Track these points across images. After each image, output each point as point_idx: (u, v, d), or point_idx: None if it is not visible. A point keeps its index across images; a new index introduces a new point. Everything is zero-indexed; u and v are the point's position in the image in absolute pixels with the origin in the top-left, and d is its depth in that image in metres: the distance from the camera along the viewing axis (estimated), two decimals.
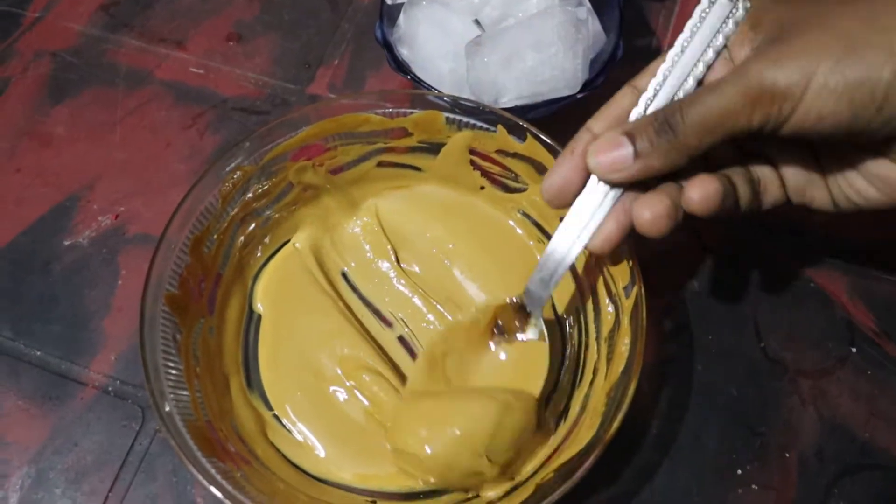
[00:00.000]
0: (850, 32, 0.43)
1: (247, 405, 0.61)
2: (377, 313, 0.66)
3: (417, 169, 0.68)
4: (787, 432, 0.63)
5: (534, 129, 0.61)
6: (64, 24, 0.86)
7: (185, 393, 0.55)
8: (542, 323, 0.59)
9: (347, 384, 0.62)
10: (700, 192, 0.48)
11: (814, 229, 0.71)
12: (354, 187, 0.69)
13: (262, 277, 0.67)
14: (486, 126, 0.63)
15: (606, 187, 0.51)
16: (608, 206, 0.51)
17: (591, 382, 0.59)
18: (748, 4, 0.49)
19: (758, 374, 0.65)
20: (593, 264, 0.61)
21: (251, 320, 0.65)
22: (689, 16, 0.49)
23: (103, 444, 0.63)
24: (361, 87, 0.81)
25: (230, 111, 0.79)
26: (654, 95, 0.50)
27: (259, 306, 0.66)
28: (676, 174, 0.49)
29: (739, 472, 0.61)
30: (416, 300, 0.66)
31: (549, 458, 0.56)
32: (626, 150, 0.48)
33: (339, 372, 0.63)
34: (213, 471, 0.51)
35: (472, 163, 0.67)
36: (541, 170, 0.63)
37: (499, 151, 0.64)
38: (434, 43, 0.71)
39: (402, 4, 0.73)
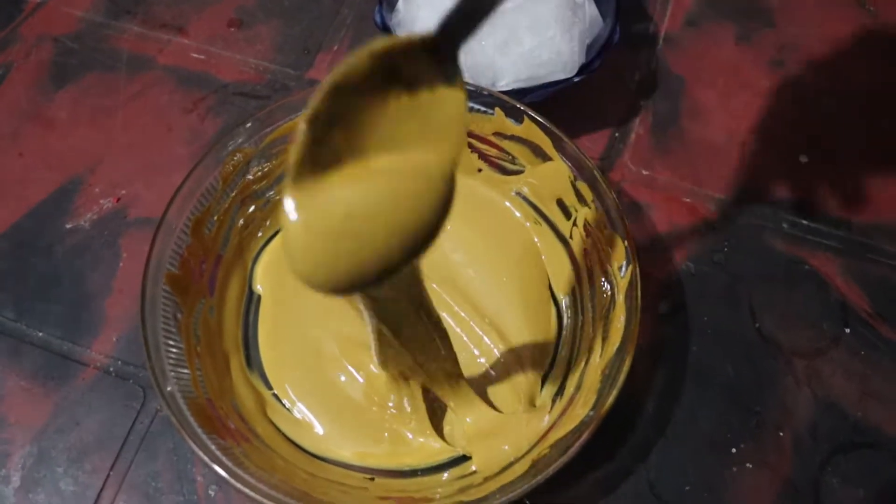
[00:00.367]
0: None
1: (247, 384, 0.61)
2: None
3: None
4: (781, 411, 0.63)
5: (531, 112, 0.61)
6: (66, 9, 0.87)
7: (185, 371, 0.56)
8: (459, 67, 0.41)
9: (346, 364, 0.63)
10: None
11: (808, 211, 0.72)
12: None
13: (262, 259, 0.67)
14: (483, 109, 0.64)
15: None
16: None
17: (587, 361, 0.59)
18: None
19: (753, 355, 0.65)
20: (590, 245, 0.62)
21: (251, 301, 0.66)
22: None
23: (105, 424, 0.64)
24: None
25: (231, 96, 0.80)
26: None
27: (259, 287, 0.66)
28: None
29: (734, 450, 0.62)
30: None
31: (546, 434, 0.56)
32: None
33: (338, 351, 0.63)
34: (213, 447, 0.52)
35: (470, 145, 0.67)
36: (538, 152, 0.63)
37: (496, 134, 0.65)
38: (433, 26, 0.71)
39: None
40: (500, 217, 0.69)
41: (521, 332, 0.64)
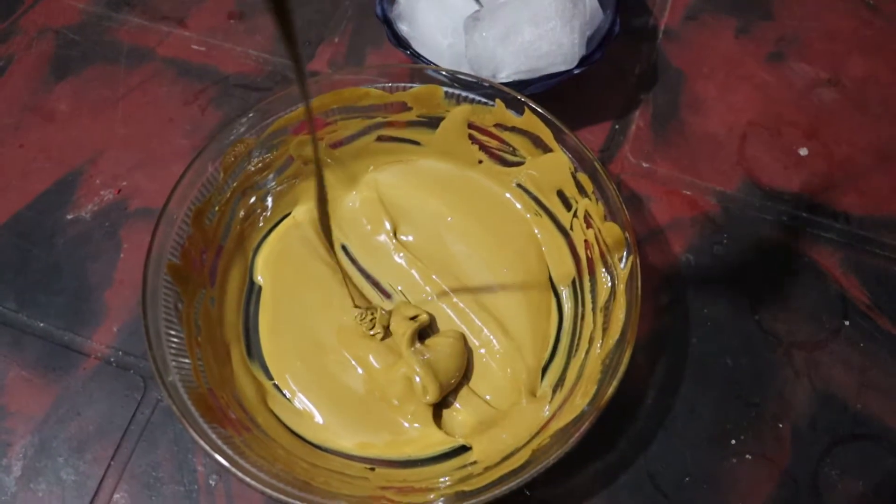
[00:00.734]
0: None
1: (247, 374, 0.62)
2: (376, 285, 0.67)
3: (416, 143, 0.69)
4: (780, 403, 0.63)
5: (531, 104, 0.62)
6: (66, 1, 0.87)
7: (186, 361, 0.56)
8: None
9: (346, 355, 0.63)
10: None
11: (808, 204, 0.72)
12: (354, 161, 0.69)
13: (262, 250, 0.67)
14: (484, 100, 0.64)
15: None
16: None
17: (587, 352, 0.59)
18: None
19: (752, 346, 0.65)
20: (591, 237, 0.62)
21: (252, 291, 0.66)
22: None
23: (105, 414, 0.64)
24: (362, 64, 0.81)
25: (231, 88, 0.80)
26: None
27: (259, 278, 0.66)
28: None
29: (733, 441, 0.62)
30: (415, 273, 0.67)
31: (546, 424, 0.56)
32: None
33: (338, 343, 0.64)
34: (214, 436, 0.52)
35: (471, 137, 0.67)
36: (538, 143, 0.63)
37: (497, 125, 0.65)
38: (433, 19, 0.72)
39: None
40: (500, 208, 0.69)
41: (522, 323, 0.64)
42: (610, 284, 0.59)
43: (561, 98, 0.69)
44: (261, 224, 0.68)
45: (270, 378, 0.63)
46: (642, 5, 0.85)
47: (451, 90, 0.64)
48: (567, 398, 0.57)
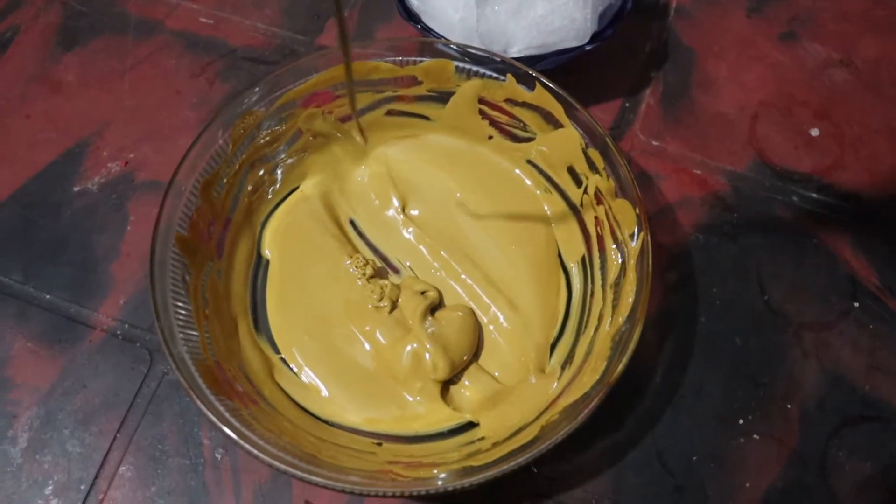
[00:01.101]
0: None
1: (254, 347, 0.61)
2: (385, 260, 0.67)
3: (426, 118, 0.69)
4: (789, 383, 0.63)
5: (543, 78, 0.61)
6: None
7: (193, 333, 0.56)
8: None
9: (353, 330, 0.63)
10: None
11: (818, 184, 0.71)
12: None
13: (270, 223, 0.67)
14: (495, 75, 0.63)
15: None
16: None
17: (596, 329, 0.59)
18: None
19: (761, 327, 0.65)
20: (601, 213, 0.62)
21: (259, 265, 0.66)
22: None
23: (111, 387, 0.64)
24: (371, 38, 0.81)
25: (239, 61, 0.79)
26: None
27: (267, 252, 0.66)
28: None
29: (741, 421, 0.62)
30: (423, 248, 0.66)
31: (554, 400, 0.56)
32: None
33: (345, 318, 0.63)
34: (221, 408, 0.52)
35: (481, 112, 0.67)
36: (549, 119, 0.63)
37: (507, 101, 0.65)
38: None
39: None
40: (510, 185, 0.69)
41: (530, 300, 0.64)
42: (620, 261, 0.59)
43: (571, 75, 0.69)
44: (269, 197, 0.67)
45: (277, 352, 0.62)
46: None
47: (461, 65, 0.64)
48: (576, 375, 0.57)
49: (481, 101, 0.66)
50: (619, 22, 0.69)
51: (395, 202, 0.68)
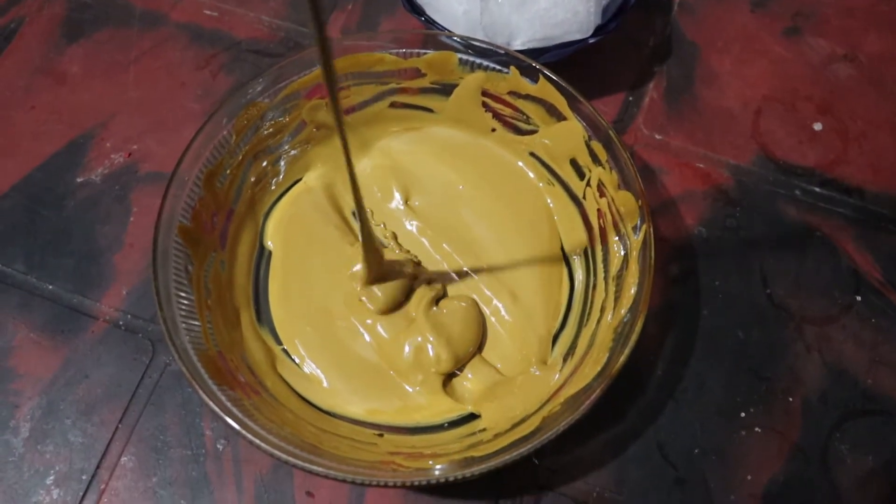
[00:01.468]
0: None
1: (257, 338, 0.61)
2: None
3: (430, 110, 0.69)
4: (791, 377, 0.63)
5: (546, 71, 0.61)
6: None
7: (196, 323, 0.56)
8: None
9: (355, 322, 0.63)
10: None
11: (821, 179, 0.71)
12: (366, 127, 0.69)
13: (273, 214, 0.67)
14: (498, 67, 0.63)
15: None
16: None
17: (598, 321, 0.59)
18: None
19: (763, 320, 0.65)
20: (604, 206, 0.62)
21: (262, 256, 0.66)
22: None
23: (114, 377, 0.64)
24: (375, 30, 0.81)
25: (244, 53, 0.79)
26: None
27: (270, 243, 0.66)
28: None
29: (743, 414, 0.62)
30: (425, 241, 0.66)
31: (556, 392, 0.56)
32: None
33: (347, 309, 0.63)
34: (223, 398, 0.52)
35: (484, 104, 0.67)
36: (552, 112, 0.63)
37: (511, 93, 0.65)
38: None
39: None
40: (513, 177, 0.69)
41: (533, 292, 0.64)
42: (622, 253, 0.59)
43: (575, 68, 0.68)
44: (272, 188, 0.67)
45: (279, 343, 0.62)
46: None
47: (465, 57, 0.64)
48: (578, 367, 0.57)
49: (485, 93, 0.66)
50: (622, 15, 0.69)
51: (398, 194, 0.68)
